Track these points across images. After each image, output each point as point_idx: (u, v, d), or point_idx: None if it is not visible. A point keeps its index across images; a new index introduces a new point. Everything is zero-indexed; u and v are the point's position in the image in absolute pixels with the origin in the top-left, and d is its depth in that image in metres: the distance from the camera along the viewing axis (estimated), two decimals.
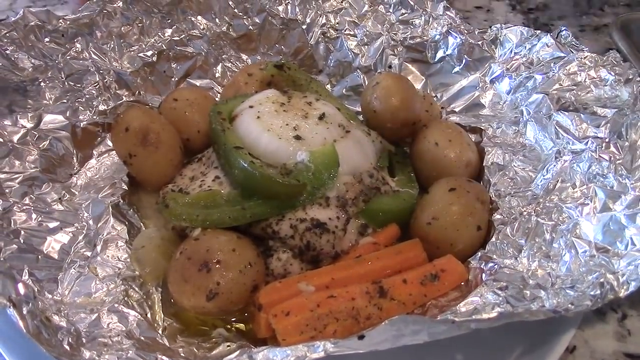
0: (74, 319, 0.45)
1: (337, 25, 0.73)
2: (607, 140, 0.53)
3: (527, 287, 0.46)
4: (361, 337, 0.38)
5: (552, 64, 0.62)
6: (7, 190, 0.52)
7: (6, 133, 0.56)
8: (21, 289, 0.43)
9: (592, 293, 0.42)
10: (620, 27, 0.81)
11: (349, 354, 0.39)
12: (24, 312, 0.40)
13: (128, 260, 0.51)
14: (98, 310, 0.46)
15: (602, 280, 0.43)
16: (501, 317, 0.40)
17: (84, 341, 0.43)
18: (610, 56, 0.60)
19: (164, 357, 0.41)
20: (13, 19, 0.59)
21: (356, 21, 0.73)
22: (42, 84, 0.60)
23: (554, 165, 0.55)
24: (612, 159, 0.52)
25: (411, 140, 0.63)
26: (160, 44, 0.68)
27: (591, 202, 0.50)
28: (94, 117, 0.61)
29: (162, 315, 0.49)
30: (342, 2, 0.74)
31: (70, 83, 0.61)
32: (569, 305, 0.41)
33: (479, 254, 0.51)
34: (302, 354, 0.38)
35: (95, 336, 0.44)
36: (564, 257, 0.48)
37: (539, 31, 0.66)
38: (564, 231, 0.49)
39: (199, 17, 0.71)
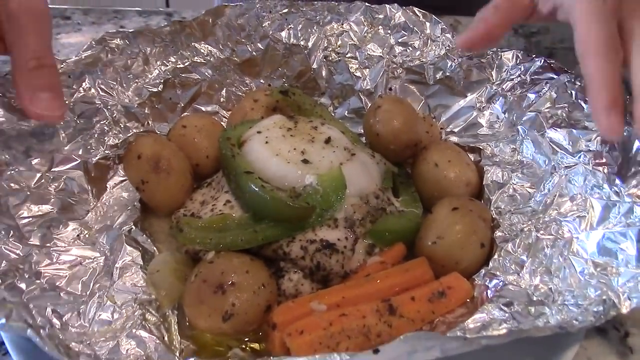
0: (94, 347, 0.46)
1: (338, 48, 0.75)
2: (599, 152, 0.56)
3: (532, 303, 0.48)
4: (376, 351, 0.40)
5: (544, 84, 0.64)
6: (26, 235, 0.53)
7: (22, 179, 0.56)
8: (36, 315, 0.45)
9: (594, 309, 0.44)
10: None
11: None
12: (43, 335, 0.42)
13: (144, 284, 0.53)
14: (117, 337, 0.48)
15: (604, 297, 0.45)
16: (511, 334, 0.42)
17: None
18: None
19: None
20: None
21: (357, 44, 0.75)
22: (57, 126, 0.61)
23: (551, 181, 0.57)
24: (605, 170, 0.54)
25: (413, 162, 0.65)
26: (165, 72, 0.70)
27: (588, 214, 0.52)
28: (105, 151, 0.62)
29: (179, 338, 0.50)
30: (342, 25, 0.76)
31: (81, 122, 0.63)
32: (574, 322, 0.43)
33: (483, 271, 0.53)
34: None
35: None
36: (564, 272, 0.50)
37: (534, 55, 0.69)
38: (562, 247, 0.51)
39: (203, 44, 0.73)
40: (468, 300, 0.52)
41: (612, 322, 0.56)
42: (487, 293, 0.50)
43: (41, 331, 0.43)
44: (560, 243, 0.52)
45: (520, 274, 0.52)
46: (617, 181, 0.53)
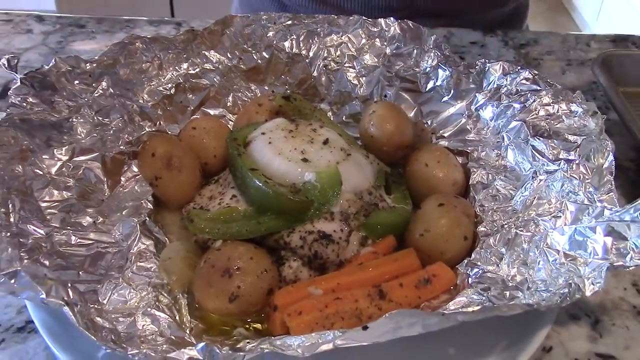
0: (114, 322, 0.51)
1: (337, 58, 0.79)
2: (577, 162, 0.60)
3: (507, 289, 0.52)
4: (365, 328, 0.45)
5: (529, 95, 0.69)
6: (48, 217, 0.58)
7: (45, 166, 0.61)
8: (70, 294, 0.50)
9: (561, 292, 0.49)
10: (601, 62, 0.88)
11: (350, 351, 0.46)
12: (76, 311, 0.47)
13: (157, 270, 0.57)
14: (133, 314, 0.52)
15: (570, 282, 0.50)
16: (484, 310, 0.47)
17: (124, 339, 0.49)
18: (577, 93, 0.67)
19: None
20: (47, 67, 0.65)
21: (355, 54, 0.79)
22: (74, 120, 0.65)
23: (531, 184, 0.62)
24: (581, 178, 0.59)
25: (404, 162, 0.69)
26: (177, 77, 0.75)
27: (563, 215, 0.58)
28: (121, 147, 0.67)
29: (189, 318, 0.54)
30: (341, 36, 0.80)
31: (99, 118, 0.67)
32: (542, 302, 0.48)
33: (466, 261, 0.58)
34: (315, 341, 0.45)
35: (132, 335, 0.50)
36: (539, 265, 0.55)
37: (519, 66, 0.73)
38: (538, 241, 0.57)
39: (212, 52, 0.77)
40: (452, 287, 0.56)
41: (584, 309, 0.61)
42: (468, 280, 0.55)
43: (74, 308, 0.48)
44: (536, 238, 0.57)
45: (499, 265, 0.57)
46: (591, 189, 0.58)
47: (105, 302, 0.53)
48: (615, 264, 0.51)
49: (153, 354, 0.45)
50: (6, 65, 0.63)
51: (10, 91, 0.61)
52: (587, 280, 0.50)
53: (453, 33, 1.06)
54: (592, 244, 0.53)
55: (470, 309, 0.47)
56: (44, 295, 0.46)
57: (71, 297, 0.49)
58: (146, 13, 1.05)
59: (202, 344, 0.45)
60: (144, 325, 0.51)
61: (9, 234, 0.50)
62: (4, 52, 0.97)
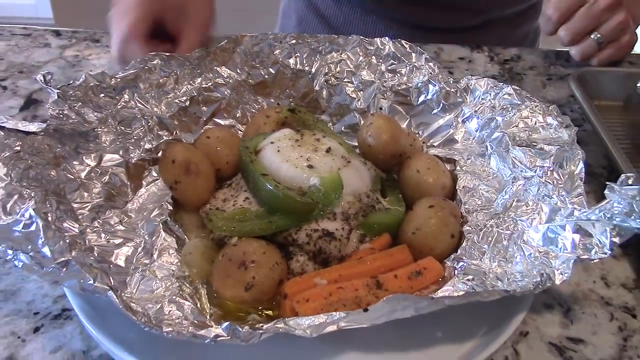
0: (144, 307, 0.58)
1: (337, 74, 0.86)
2: (551, 169, 0.67)
3: (488, 279, 0.60)
4: (365, 310, 0.52)
5: (510, 109, 0.77)
6: (80, 217, 0.64)
7: (75, 171, 0.67)
8: (112, 281, 0.57)
9: (534, 281, 0.57)
10: (577, 78, 0.95)
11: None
12: (118, 295, 0.54)
13: (179, 264, 0.64)
14: (161, 302, 0.58)
15: (542, 272, 0.57)
16: (467, 295, 0.54)
17: (154, 323, 0.56)
18: (553, 107, 0.75)
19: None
20: (78, 82, 0.72)
21: (353, 70, 0.86)
22: (98, 130, 0.72)
23: (511, 189, 0.69)
24: (555, 183, 0.67)
25: (398, 169, 0.76)
26: (191, 90, 0.81)
27: (538, 215, 0.65)
28: (142, 154, 0.73)
29: (208, 305, 0.61)
30: (341, 54, 0.87)
31: (122, 128, 0.74)
32: (518, 289, 0.56)
33: (452, 256, 0.64)
34: (322, 321, 0.52)
35: (161, 319, 0.56)
36: (516, 259, 0.62)
37: (502, 83, 0.81)
38: (516, 238, 0.64)
39: (223, 68, 0.84)
40: (440, 279, 0.63)
41: (557, 299, 0.68)
42: (454, 272, 0.62)
43: (116, 293, 0.54)
44: (514, 236, 0.64)
45: (482, 259, 0.63)
46: (563, 193, 0.64)
47: (134, 291, 0.60)
48: (581, 257, 0.58)
49: (185, 332, 0.52)
50: (42, 81, 0.70)
51: (49, 104, 0.68)
52: (557, 271, 0.57)
53: (442, 49, 1.14)
54: (562, 240, 0.60)
55: (455, 294, 0.55)
56: (91, 281, 0.53)
57: (112, 283, 0.56)
58: None
59: (226, 323, 0.51)
60: (170, 311, 0.58)
61: (54, 229, 0.57)
62: (24, 64, 1.04)
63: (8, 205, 0.55)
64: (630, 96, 0.96)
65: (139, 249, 0.64)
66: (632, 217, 0.56)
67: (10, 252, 0.55)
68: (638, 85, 0.92)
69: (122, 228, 0.66)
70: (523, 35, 1.26)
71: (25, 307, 0.63)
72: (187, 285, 0.62)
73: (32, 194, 0.58)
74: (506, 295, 0.55)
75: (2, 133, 0.63)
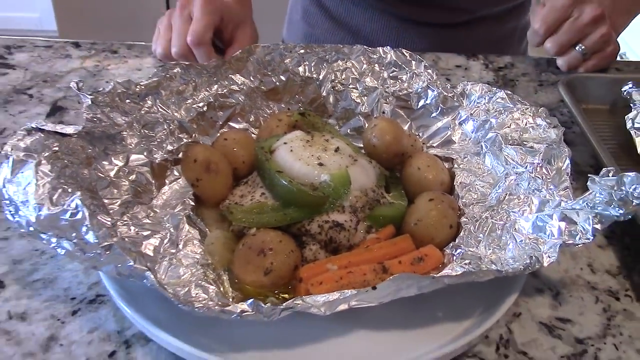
0: (174, 289, 0.64)
1: (343, 80, 0.92)
2: (540, 165, 0.74)
3: (484, 263, 0.66)
4: (374, 288, 0.58)
5: (502, 111, 0.84)
6: (110, 212, 0.69)
7: (105, 170, 0.73)
8: (148, 264, 0.63)
9: (524, 263, 0.63)
10: (566, 83, 1.02)
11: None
12: (155, 276, 0.60)
13: (202, 253, 0.69)
14: (188, 286, 0.64)
15: (532, 256, 0.64)
16: (463, 275, 0.60)
17: (185, 301, 0.62)
18: (542, 110, 0.82)
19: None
20: (107, 89, 0.78)
21: (357, 77, 0.92)
22: (124, 133, 0.77)
23: (504, 183, 0.75)
24: (544, 178, 0.73)
25: (400, 167, 0.82)
26: (208, 97, 0.87)
27: (529, 207, 0.72)
28: (165, 155, 0.79)
29: (230, 289, 0.67)
30: (346, 62, 0.93)
31: (146, 131, 0.79)
32: (510, 270, 0.62)
33: (451, 244, 0.70)
34: (336, 297, 0.58)
35: (190, 300, 0.62)
36: (509, 246, 0.69)
37: (495, 88, 0.88)
38: (509, 228, 0.70)
39: (238, 76, 0.90)
40: (440, 265, 0.69)
41: (547, 284, 0.74)
42: (452, 258, 0.69)
43: (153, 273, 0.60)
44: (507, 225, 0.71)
45: (478, 247, 0.69)
46: (551, 186, 0.71)
47: (164, 277, 0.66)
48: (567, 243, 0.64)
49: (215, 307, 0.59)
50: (76, 88, 0.76)
51: (84, 108, 0.75)
52: (545, 255, 0.64)
53: (440, 57, 1.21)
54: (550, 228, 0.66)
55: (454, 274, 0.61)
56: (132, 263, 0.59)
57: (149, 266, 0.62)
58: (145, 36, 1.19)
59: (251, 300, 0.58)
60: (196, 293, 0.64)
61: (94, 220, 0.63)
62: (48, 74, 1.11)
63: (54, 197, 0.61)
64: (616, 100, 1.02)
65: (165, 240, 0.70)
66: (612, 206, 0.63)
67: (54, 240, 0.61)
68: (623, 89, 0.99)
69: (149, 221, 0.72)
70: (512, 30, 1.34)
71: (63, 293, 0.70)
72: (211, 271, 0.68)
73: (72, 189, 0.64)
74: (499, 276, 0.62)
75: (42, 135, 0.69)
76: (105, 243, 0.59)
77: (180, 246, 0.70)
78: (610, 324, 0.69)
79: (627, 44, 2.85)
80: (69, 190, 0.63)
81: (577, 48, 1.09)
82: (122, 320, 0.67)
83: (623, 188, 0.61)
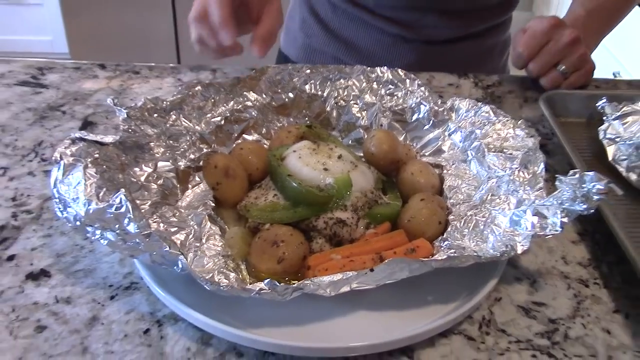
0: (201, 276, 0.74)
1: (345, 97, 1.02)
2: (518, 169, 0.85)
3: (467, 252, 0.77)
4: (372, 270, 0.68)
5: (486, 123, 0.95)
6: (142, 210, 0.78)
7: (136, 175, 0.82)
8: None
9: (501, 250, 0.73)
10: (546, 99, 1.12)
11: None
12: (187, 261, 0.70)
13: (223, 246, 0.79)
14: (212, 273, 0.72)
15: (507, 244, 0.74)
16: (448, 259, 0.69)
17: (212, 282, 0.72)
18: (521, 122, 0.93)
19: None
20: (139, 104, 0.88)
21: (358, 94, 1.02)
22: (152, 143, 0.87)
23: (486, 186, 0.85)
24: (521, 181, 0.83)
25: (396, 172, 0.92)
26: (225, 111, 0.98)
27: (507, 206, 0.82)
28: (188, 162, 0.89)
29: (248, 277, 0.77)
30: (347, 81, 1.04)
31: (171, 142, 0.89)
32: (488, 256, 0.73)
33: (440, 238, 0.79)
34: (339, 278, 0.68)
35: (215, 282, 0.73)
36: (489, 239, 0.79)
37: (481, 103, 0.99)
38: (490, 223, 0.81)
39: (251, 93, 1.00)
40: (430, 256, 0.79)
41: (525, 274, 0.83)
42: (440, 249, 0.79)
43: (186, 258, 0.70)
44: (488, 221, 0.81)
45: (463, 240, 0.79)
46: (527, 188, 0.80)
47: (191, 266, 0.76)
48: (539, 234, 0.74)
49: (237, 286, 0.69)
50: (113, 103, 0.87)
51: (120, 121, 0.86)
52: (519, 244, 0.74)
53: (434, 76, 1.32)
54: (524, 222, 0.76)
55: (439, 258, 0.71)
56: (167, 249, 0.69)
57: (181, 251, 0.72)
58: (154, 56, 1.30)
59: (267, 279, 0.68)
60: (219, 279, 0.73)
61: (136, 212, 0.73)
62: (78, 93, 1.22)
63: (100, 195, 0.72)
64: (592, 114, 1.12)
65: (190, 235, 0.79)
66: (576, 202, 0.73)
67: (98, 232, 0.72)
68: (597, 104, 1.09)
69: (176, 220, 0.82)
70: (493, 45, 1.45)
71: (102, 281, 0.80)
72: (231, 261, 0.78)
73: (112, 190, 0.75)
74: (478, 261, 0.72)
75: (84, 144, 0.80)
76: (146, 231, 0.69)
77: (204, 240, 0.80)
78: (579, 307, 0.79)
79: (622, 64, 2.98)
80: (113, 188, 0.74)
81: (558, 68, 1.20)
82: (155, 303, 0.77)
83: (584, 186, 0.72)
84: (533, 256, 0.87)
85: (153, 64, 1.31)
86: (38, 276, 0.80)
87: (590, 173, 0.71)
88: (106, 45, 3.98)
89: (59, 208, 0.75)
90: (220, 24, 0.92)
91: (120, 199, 0.69)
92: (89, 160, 0.78)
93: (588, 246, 0.89)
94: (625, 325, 0.77)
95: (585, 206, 0.73)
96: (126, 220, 0.69)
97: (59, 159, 0.76)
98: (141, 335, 0.73)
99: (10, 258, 0.83)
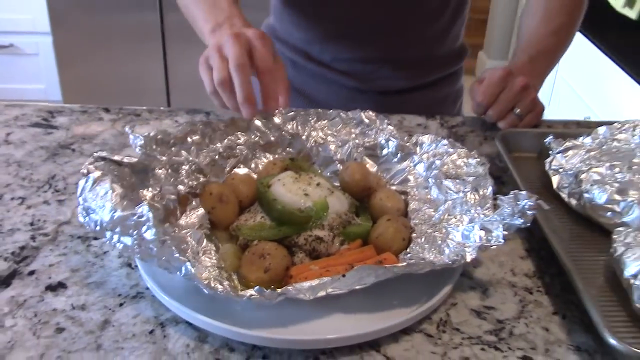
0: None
1: (323, 136, 1.15)
2: (470, 192, 0.99)
3: (425, 261, 0.90)
4: (343, 276, 0.81)
5: (444, 154, 1.09)
6: None
7: (143, 195, 0.94)
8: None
9: (453, 258, 0.87)
10: (500, 137, 1.27)
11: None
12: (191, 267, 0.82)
13: (217, 259, 0.90)
14: (208, 280, 0.85)
15: (458, 254, 0.88)
16: (407, 266, 0.81)
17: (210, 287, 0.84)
18: (473, 152, 1.08)
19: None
20: (151, 134, 1.01)
21: (334, 134, 1.15)
22: (156, 169, 1.00)
23: (444, 207, 1.00)
24: (473, 202, 0.98)
25: (368, 199, 1.05)
26: (219, 148, 1.11)
27: (461, 223, 0.96)
28: (186, 189, 1.01)
29: (239, 286, 0.90)
30: (325, 123, 1.18)
31: (171, 170, 1.02)
32: (441, 262, 0.86)
33: (404, 252, 0.91)
34: (316, 283, 0.79)
35: (213, 288, 0.85)
36: (445, 251, 0.92)
37: (441, 137, 1.14)
38: (446, 238, 0.95)
39: (242, 133, 1.14)
40: None
41: (478, 284, 0.96)
42: (404, 261, 0.93)
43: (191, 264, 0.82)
44: (445, 237, 0.96)
45: (423, 253, 0.93)
46: (478, 208, 0.95)
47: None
48: (485, 245, 0.88)
49: (232, 291, 0.82)
50: (130, 132, 1.02)
51: (137, 148, 1.00)
52: (468, 254, 0.88)
53: (405, 118, 1.47)
54: (473, 236, 0.90)
55: (400, 265, 0.85)
56: (177, 255, 0.82)
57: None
58: (146, 102, 1.44)
59: (257, 287, 0.81)
60: (215, 286, 0.86)
61: (156, 221, 0.85)
62: (85, 133, 1.36)
63: (124, 204, 0.85)
64: (542, 150, 1.28)
65: (189, 250, 0.91)
66: (514, 217, 0.87)
67: (115, 237, 0.85)
68: (545, 141, 1.25)
69: (178, 236, 0.95)
70: (446, 94, 1.63)
71: (112, 291, 0.92)
72: (224, 272, 0.91)
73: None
74: (433, 268, 0.85)
75: (105, 162, 0.94)
76: (162, 238, 0.82)
77: (201, 254, 0.92)
78: (524, 310, 0.92)
79: (591, 109, 3.18)
80: (134, 199, 0.88)
81: (514, 111, 1.36)
82: (158, 309, 0.89)
83: (519, 203, 0.86)
84: (486, 269, 1.00)
85: (153, 107, 1.45)
86: (56, 287, 0.92)
87: (523, 192, 0.86)
88: (99, 93, 4.12)
89: (82, 214, 0.88)
90: (244, 100, 1.08)
91: (143, 209, 0.82)
92: (113, 175, 0.91)
93: (534, 260, 1.03)
94: (562, 324, 0.90)
95: (522, 220, 0.87)
96: (144, 228, 0.82)
97: (86, 173, 0.90)
98: (147, 335, 0.85)
99: (31, 273, 0.95)
